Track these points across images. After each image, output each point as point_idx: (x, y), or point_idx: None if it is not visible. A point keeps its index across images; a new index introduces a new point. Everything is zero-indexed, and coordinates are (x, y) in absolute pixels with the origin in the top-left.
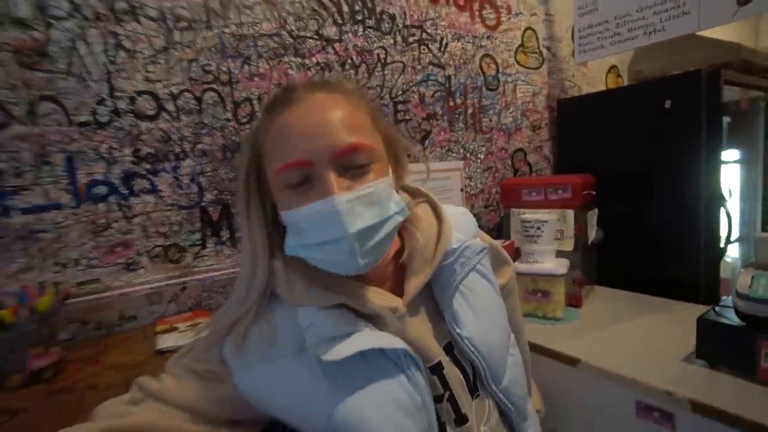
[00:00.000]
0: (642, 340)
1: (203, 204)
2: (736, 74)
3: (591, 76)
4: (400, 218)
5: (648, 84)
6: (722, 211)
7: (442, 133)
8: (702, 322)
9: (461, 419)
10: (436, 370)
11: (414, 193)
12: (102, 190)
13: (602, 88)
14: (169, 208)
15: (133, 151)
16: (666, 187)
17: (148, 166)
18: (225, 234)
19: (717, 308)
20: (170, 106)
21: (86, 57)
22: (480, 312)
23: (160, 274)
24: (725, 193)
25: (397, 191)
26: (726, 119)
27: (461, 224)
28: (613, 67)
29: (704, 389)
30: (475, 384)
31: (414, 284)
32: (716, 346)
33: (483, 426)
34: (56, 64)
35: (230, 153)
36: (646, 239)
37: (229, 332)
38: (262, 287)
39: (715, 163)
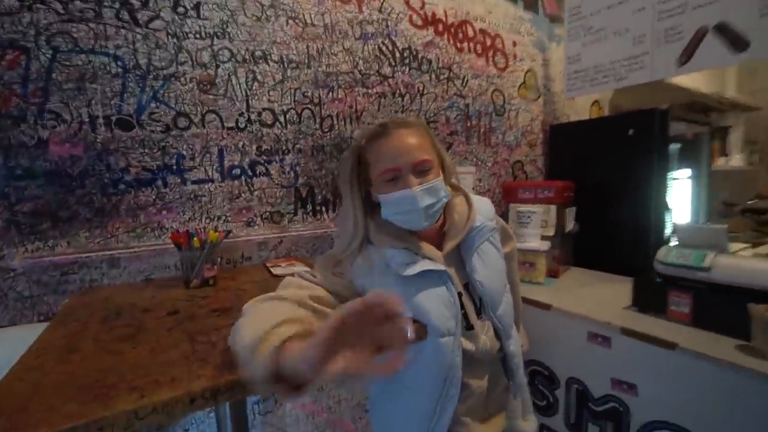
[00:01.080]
0: (598, 296)
1: (297, 185)
2: (683, 112)
3: (578, 108)
4: (446, 200)
5: (618, 117)
6: (666, 215)
7: (461, 146)
8: (636, 281)
9: (470, 327)
10: (458, 297)
11: (455, 188)
12: (237, 171)
13: (586, 117)
14: (276, 186)
15: (257, 147)
16: (627, 194)
17: (265, 158)
18: (309, 207)
19: (648, 274)
20: (282, 119)
21: (236, 86)
22: (488, 266)
23: (267, 231)
24: (669, 203)
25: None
26: (677, 146)
27: (484, 210)
28: (595, 101)
29: (632, 322)
30: (480, 310)
31: (449, 245)
32: (644, 297)
33: (483, 335)
34: (219, 91)
35: (317, 152)
36: (611, 232)
37: (338, 262)
38: (361, 238)
39: (663, 180)
